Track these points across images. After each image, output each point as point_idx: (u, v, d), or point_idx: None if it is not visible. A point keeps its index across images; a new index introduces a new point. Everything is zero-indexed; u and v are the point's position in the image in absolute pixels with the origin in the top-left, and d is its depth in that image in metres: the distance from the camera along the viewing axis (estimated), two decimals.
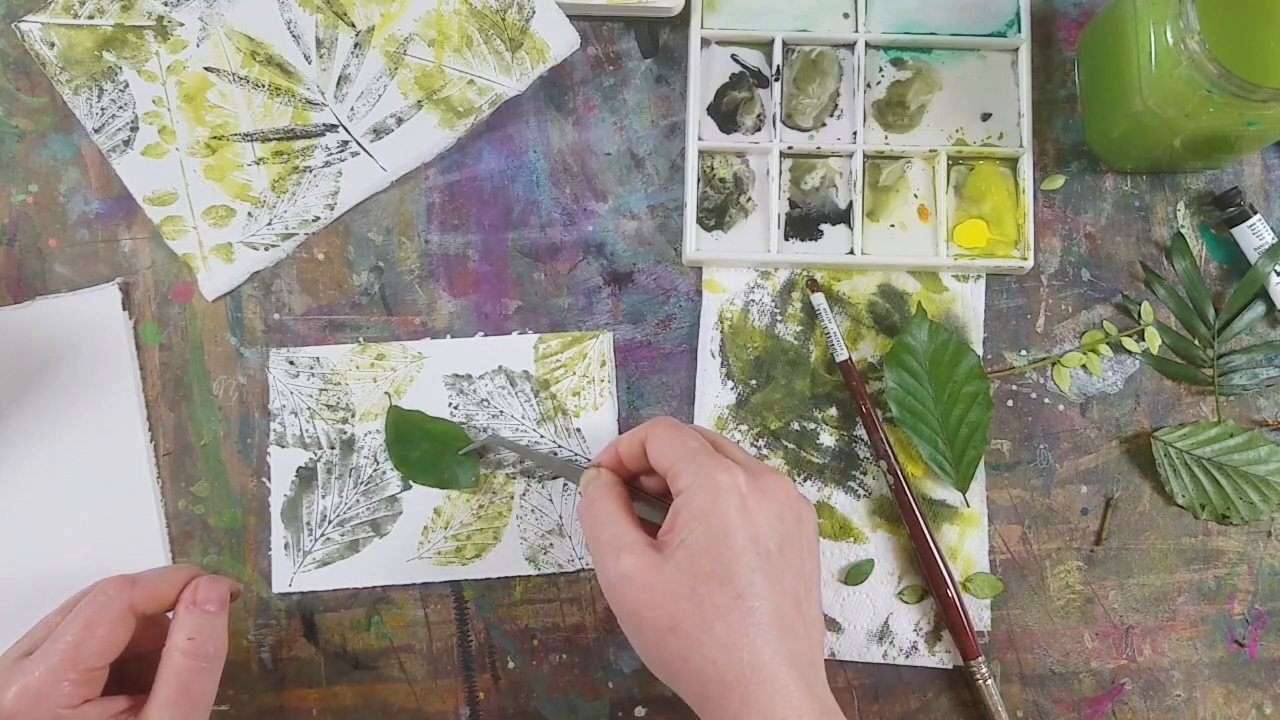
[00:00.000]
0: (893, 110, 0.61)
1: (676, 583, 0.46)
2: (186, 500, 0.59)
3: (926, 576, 0.58)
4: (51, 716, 0.44)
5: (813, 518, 0.50)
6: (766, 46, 0.61)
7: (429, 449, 0.59)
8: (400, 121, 0.60)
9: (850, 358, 0.59)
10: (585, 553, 0.59)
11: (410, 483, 0.59)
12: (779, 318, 0.60)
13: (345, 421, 0.59)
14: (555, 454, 0.59)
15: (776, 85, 0.60)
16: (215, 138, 0.60)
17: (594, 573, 0.58)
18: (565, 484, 0.59)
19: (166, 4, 0.60)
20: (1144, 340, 0.60)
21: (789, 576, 0.47)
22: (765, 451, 0.59)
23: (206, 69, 0.60)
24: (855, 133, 0.60)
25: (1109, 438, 0.60)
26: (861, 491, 0.59)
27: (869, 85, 0.61)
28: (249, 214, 0.60)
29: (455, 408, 0.59)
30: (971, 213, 0.60)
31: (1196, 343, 0.60)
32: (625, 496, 0.50)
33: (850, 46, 0.61)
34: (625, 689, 0.58)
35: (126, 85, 0.60)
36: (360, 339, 0.60)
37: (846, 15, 0.61)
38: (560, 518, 0.59)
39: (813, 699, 0.45)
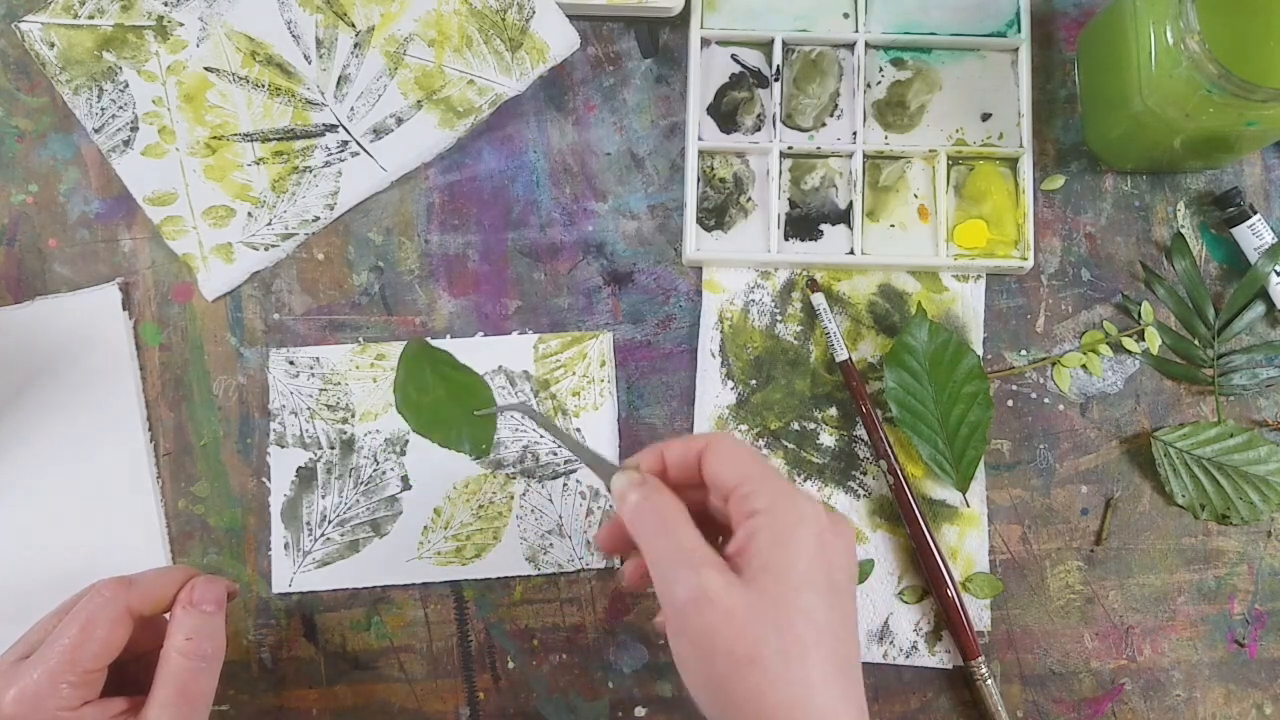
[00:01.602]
0: (893, 110, 0.61)
1: (761, 611, 0.41)
2: (186, 500, 0.59)
3: (926, 576, 0.58)
4: (50, 719, 0.44)
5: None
6: (766, 46, 0.61)
7: (442, 398, 0.57)
8: (400, 121, 0.60)
9: (850, 358, 0.59)
10: (585, 552, 0.59)
11: (413, 434, 0.56)
12: (779, 318, 0.60)
13: (345, 421, 0.59)
14: (587, 446, 0.52)
15: (776, 85, 0.60)
16: (215, 138, 0.60)
17: (593, 572, 0.58)
18: (565, 485, 0.59)
19: (166, 4, 0.60)
20: (1144, 340, 0.60)
21: (848, 614, 0.44)
22: (765, 451, 0.59)
23: (206, 69, 0.60)
24: (855, 133, 0.60)
25: (1109, 438, 0.60)
26: (861, 491, 0.59)
27: (869, 85, 0.61)
28: (249, 214, 0.60)
29: None
30: (971, 213, 0.60)
31: (1196, 343, 0.60)
32: (685, 507, 0.45)
33: (850, 46, 0.61)
34: (625, 689, 0.58)
35: (126, 85, 0.60)
36: (360, 339, 0.60)
37: (846, 15, 0.61)
38: (560, 518, 0.59)
39: None
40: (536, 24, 0.59)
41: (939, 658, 0.58)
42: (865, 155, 0.60)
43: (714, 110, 0.61)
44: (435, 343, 0.60)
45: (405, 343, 0.57)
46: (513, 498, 0.59)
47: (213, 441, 0.59)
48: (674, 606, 0.42)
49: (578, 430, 0.59)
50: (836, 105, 0.61)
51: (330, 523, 0.59)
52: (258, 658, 0.58)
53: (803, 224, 0.60)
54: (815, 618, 0.41)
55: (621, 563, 0.52)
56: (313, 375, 0.60)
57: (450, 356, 0.57)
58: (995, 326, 0.60)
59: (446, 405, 0.57)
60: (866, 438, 0.59)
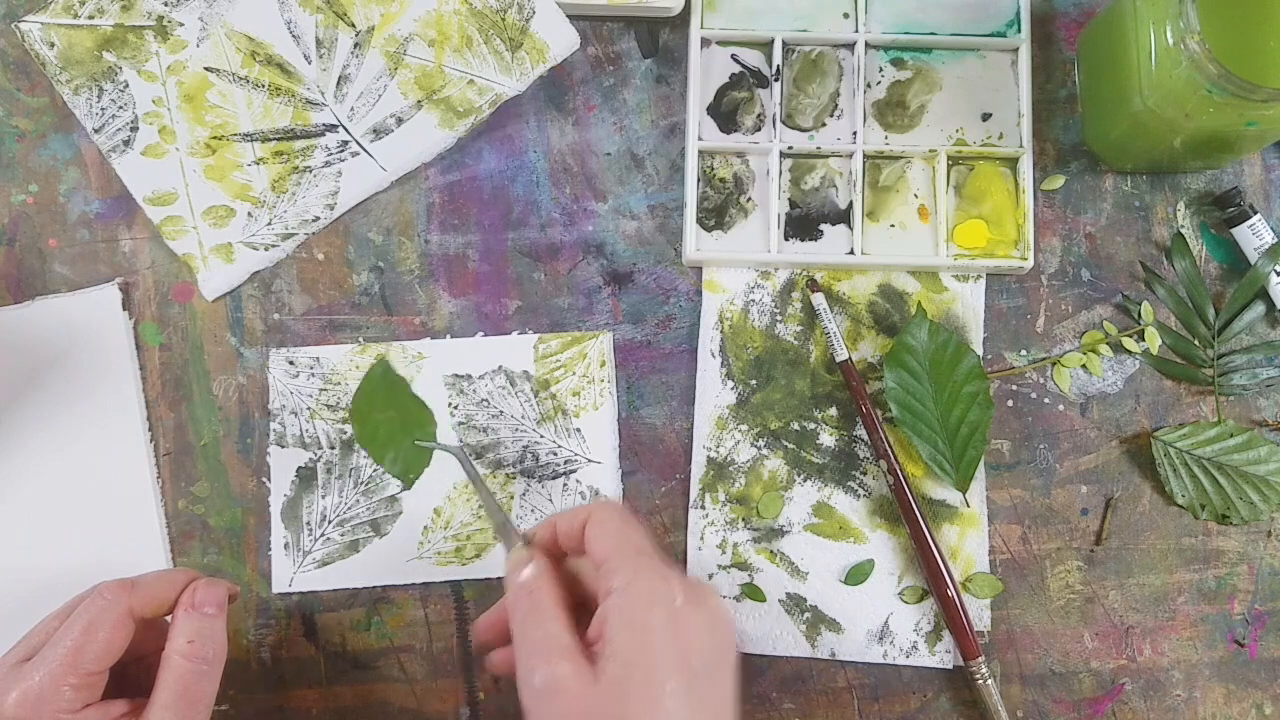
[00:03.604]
0: (893, 110, 0.61)
1: (606, 702, 0.42)
2: (186, 500, 0.59)
3: (926, 576, 0.58)
4: None
5: (735, 633, 0.47)
6: (766, 46, 0.61)
7: (393, 419, 0.57)
8: (400, 121, 0.60)
9: (850, 358, 0.59)
10: None
11: (372, 458, 0.58)
12: (779, 318, 0.60)
13: (345, 421, 0.59)
14: (501, 509, 0.53)
15: (776, 85, 0.60)
16: (215, 138, 0.60)
17: None
18: (565, 485, 0.59)
19: (166, 4, 0.60)
20: (1144, 340, 0.60)
21: (713, 699, 0.44)
22: (765, 451, 0.59)
23: (206, 69, 0.60)
24: (855, 133, 0.60)
25: (1109, 438, 0.60)
26: (861, 491, 0.59)
27: (869, 85, 0.61)
28: (249, 214, 0.60)
29: (455, 407, 0.59)
30: (971, 213, 0.60)
31: (1196, 343, 0.60)
32: (561, 591, 0.46)
33: (850, 46, 0.61)
34: None
35: (126, 85, 0.60)
36: (360, 339, 0.60)
37: (846, 15, 0.61)
38: None
39: None
40: (536, 24, 0.59)
41: (939, 658, 0.58)
42: (865, 155, 0.60)
43: (714, 110, 0.61)
44: (435, 344, 0.60)
45: (373, 363, 0.58)
46: (513, 498, 0.59)
47: (213, 441, 0.59)
48: (530, 693, 0.43)
49: (578, 430, 0.59)
50: (836, 105, 0.61)
51: (330, 523, 0.59)
52: (258, 657, 0.58)
53: (803, 224, 0.60)
54: (666, 706, 0.42)
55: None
56: (313, 375, 0.60)
57: (408, 385, 0.58)
58: (995, 326, 0.60)
59: (395, 427, 0.57)
60: (866, 438, 0.59)
